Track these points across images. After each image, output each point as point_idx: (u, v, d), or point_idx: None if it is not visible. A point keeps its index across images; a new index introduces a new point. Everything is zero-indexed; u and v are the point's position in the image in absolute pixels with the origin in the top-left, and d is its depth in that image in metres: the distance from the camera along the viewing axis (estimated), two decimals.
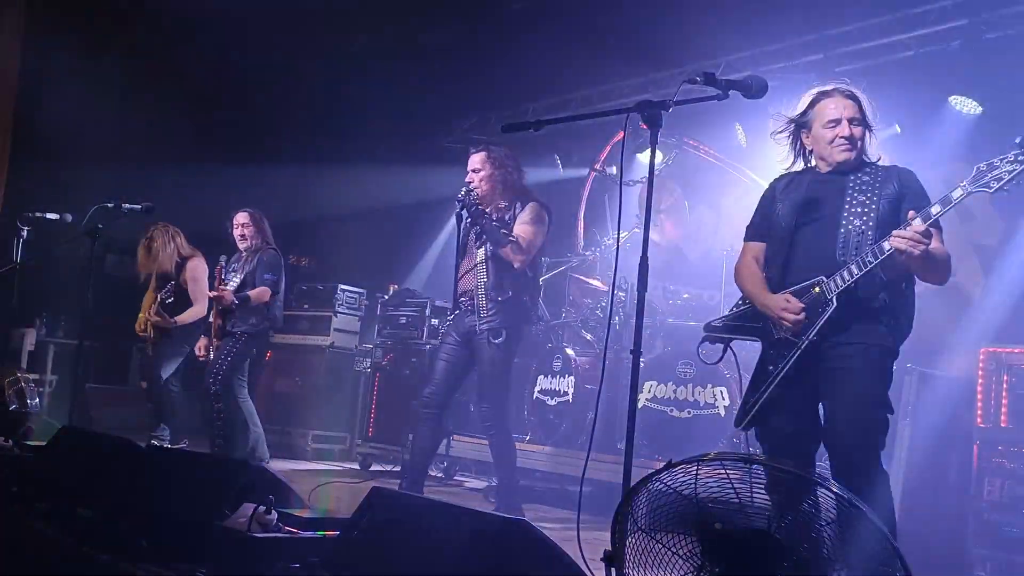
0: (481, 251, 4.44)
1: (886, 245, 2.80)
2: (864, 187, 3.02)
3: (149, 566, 2.63)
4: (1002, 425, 4.23)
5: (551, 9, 7.13)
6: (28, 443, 4.23)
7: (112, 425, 6.79)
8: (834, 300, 2.86)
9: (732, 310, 3.30)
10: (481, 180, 4.45)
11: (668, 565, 2.07)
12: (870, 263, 2.83)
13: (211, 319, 5.70)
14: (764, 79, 2.95)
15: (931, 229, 2.73)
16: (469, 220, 4.36)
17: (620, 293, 5.66)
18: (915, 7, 5.83)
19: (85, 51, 7.16)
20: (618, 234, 5.69)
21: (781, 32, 6.40)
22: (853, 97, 3.10)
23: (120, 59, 7.63)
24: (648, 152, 2.84)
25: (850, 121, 3.05)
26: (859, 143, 3.05)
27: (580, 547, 2.45)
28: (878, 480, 2.80)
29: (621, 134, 2.92)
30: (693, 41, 6.41)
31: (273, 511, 2.66)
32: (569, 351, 5.88)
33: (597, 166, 7.33)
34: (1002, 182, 2.66)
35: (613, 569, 2.16)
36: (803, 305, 2.91)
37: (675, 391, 5.16)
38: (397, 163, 8.57)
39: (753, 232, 3.26)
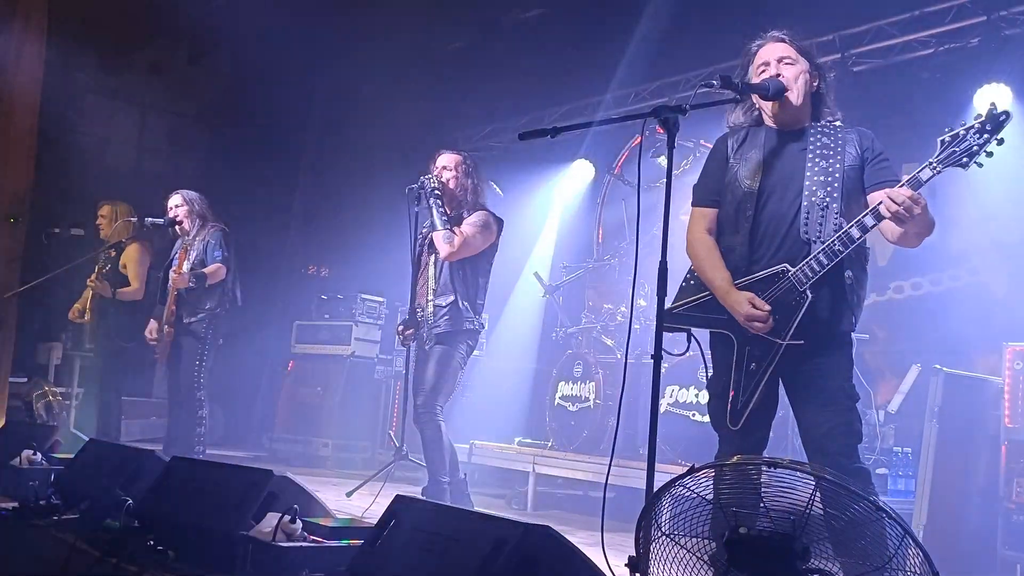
0: (432, 259, 4.49)
1: (855, 232, 2.64)
2: (825, 151, 2.80)
3: None
4: None
5: (565, 16, 7.15)
6: (56, 456, 4.28)
7: (138, 437, 6.86)
8: (808, 293, 2.69)
9: (683, 285, 2.98)
10: (447, 181, 4.49)
11: (693, 570, 2.06)
12: (839, 252, 2.66)
13: (167, 305, 5.46)
14: (781, 81, 2.92)
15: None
16: (422, 200, 4.41)
17: (640, 298, 5.65)
18: (932, 5, 5.79)
19: (107, 68, 7.26)
20: (636, 239, 5.70)
21: (797, 32, 6.37)
22: (784, 40, 2.94)
23: (142, 76, 7.73)
24: (666, 156, 2.83)
25: (779, 60, 2.89)
26: (794, 84, 2.87)
27: (604, 553, 2.45)
28: (860, 477, 2.63)
29: (638, 139, 2.91)
30: (709, 44, 6.40)
31: (298, 520, 2.67)
32: (589, 357, 5.88)
33: (615, 171, 7.33)
34: (974, 157, 2.48)
35: (638, 574, 2.16)
36: (769, 308, 2.71)
37: (697, 395, 5.14)
38: (413, 171, 8.60)
39: (705, 195, 2.97)
